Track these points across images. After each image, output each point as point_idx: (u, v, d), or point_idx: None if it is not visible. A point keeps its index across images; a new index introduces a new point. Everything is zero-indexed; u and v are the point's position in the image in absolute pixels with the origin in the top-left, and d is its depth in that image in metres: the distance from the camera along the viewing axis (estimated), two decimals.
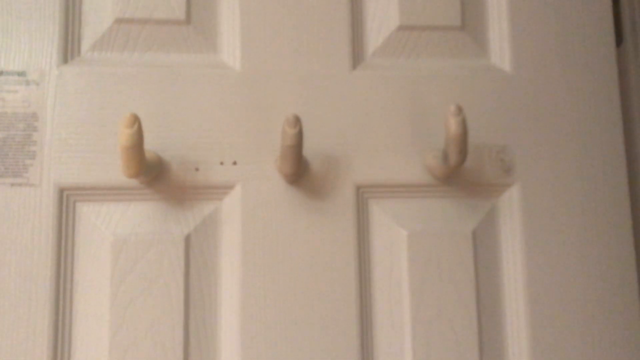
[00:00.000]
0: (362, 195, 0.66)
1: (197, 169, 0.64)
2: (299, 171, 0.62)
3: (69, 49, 0.65)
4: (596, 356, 0.65)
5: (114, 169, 0.63)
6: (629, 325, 0.66)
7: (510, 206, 0.67)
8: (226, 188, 0.65)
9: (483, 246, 0.67)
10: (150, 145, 0.64)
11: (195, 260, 0.63)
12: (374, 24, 0.69)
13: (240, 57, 0.67)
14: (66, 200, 0.63)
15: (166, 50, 0.67)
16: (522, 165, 0.68)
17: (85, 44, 0.66)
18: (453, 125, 0.60)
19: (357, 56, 0.68)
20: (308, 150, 0.66)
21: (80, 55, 0.66)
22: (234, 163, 0.65)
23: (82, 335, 0.61)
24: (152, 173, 0.62)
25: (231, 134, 0.65)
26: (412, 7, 0.69)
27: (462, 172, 0.67)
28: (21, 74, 0.63)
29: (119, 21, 0.66)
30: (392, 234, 0.66)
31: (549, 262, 0.66)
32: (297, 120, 0.58)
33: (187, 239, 0.63)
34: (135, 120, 0.56)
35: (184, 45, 0.67)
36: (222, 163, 0.65)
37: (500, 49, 0.70)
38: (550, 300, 0.66)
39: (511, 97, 0.69)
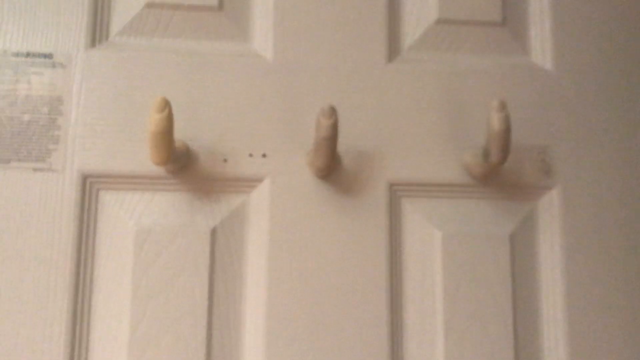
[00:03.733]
0: (395, 194, 0.63)
1: (225, 160, 0.62)
2: (332, 165, 0.60)
3: (97, 33, 0.63)
4: None
5: (139, 157, 0.61)
6: None
7: (550, 209, 0.64)
8: (254, 181, 0.62)
9: (520, 250, 0.64)
10: (179, 134, 0.61)
11: (220, 254, 0.61)
12: (411, 17, 0.67)
13: (273, 47, 0.64)
14: (89, 188, 0.60)
15: (197, 37, 0.64)
16: (563, 167, 0.65)
17: (114, 28, 0.64)
18: (496, 121, 0.57)
19: (393, 49, 0.66)
20: (340, 145, 0.63)
21: (109, 40, 0.64)
22: (264, 155, 0.62)
23: (100, 329, 0.59)
24: (180, 162, 0.59)
25: (261, 125, 0.63)
26: (451, 1, 0.67)
27: (500, 173, 0.64)
28: (48, 56, 0.61)
29: (149, 5, 0.64)
30: (426, 234, 0.63)
31: (589, 269, 0.63)
32: (332, 111, 0.56)
33: (213, 232, 0.61)
34: (166, 104, 0.54)
35: (215, 32, 0.65)
36: (251, 155, 0.62)
37: (541, 46, 0.68)
38: (590, 308, 0.62)
39: (552, 97, 0.66)
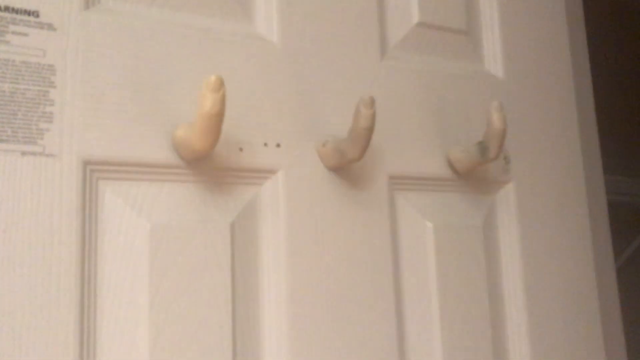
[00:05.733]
0: (391, 187, 0.65)
1: (241, 149, 0.57)
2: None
3: None
4: (579, 329, 0.74)
5: (147, 142, 0.53)
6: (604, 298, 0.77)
7: (507, 202, 0.73)
8: (269, 172, 0.59)
9: (488, 238, 0.71)
10: (191, 117, 0.55)
11: (239, 250, 0.56)
12: (394, 17, 0.70)
13: (278, 32, 0.61)
14: (89, 177, 0.50)
15: (198, 12, 0.58)
16: (516, 164, 0.74)
17: None
18: (497, 120, 0.63)
19: (383, 47, 0.68)
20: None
21: (101, 2, 0.54)
22: (278, 145, 0.59)
23: (111, 343, 0.49)
24: None
25: (274, 113, 0.59)
26: (429, 5, 0.71)
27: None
28: (32, 14, 0.49)
29: None
30: (418, 225, 0.66)
31: (541, 251, 0.73)
32: (372, 101, 0.56)
33: (232, 227, 0.56)
34: (222, 83, 0.48)
35: (218, 9, 0.59)
36: (265, 144, 0.58)
37: (493, 56, 0.76)
38: (544, 285, 0.73)
39: (504, 102, 0.75)
